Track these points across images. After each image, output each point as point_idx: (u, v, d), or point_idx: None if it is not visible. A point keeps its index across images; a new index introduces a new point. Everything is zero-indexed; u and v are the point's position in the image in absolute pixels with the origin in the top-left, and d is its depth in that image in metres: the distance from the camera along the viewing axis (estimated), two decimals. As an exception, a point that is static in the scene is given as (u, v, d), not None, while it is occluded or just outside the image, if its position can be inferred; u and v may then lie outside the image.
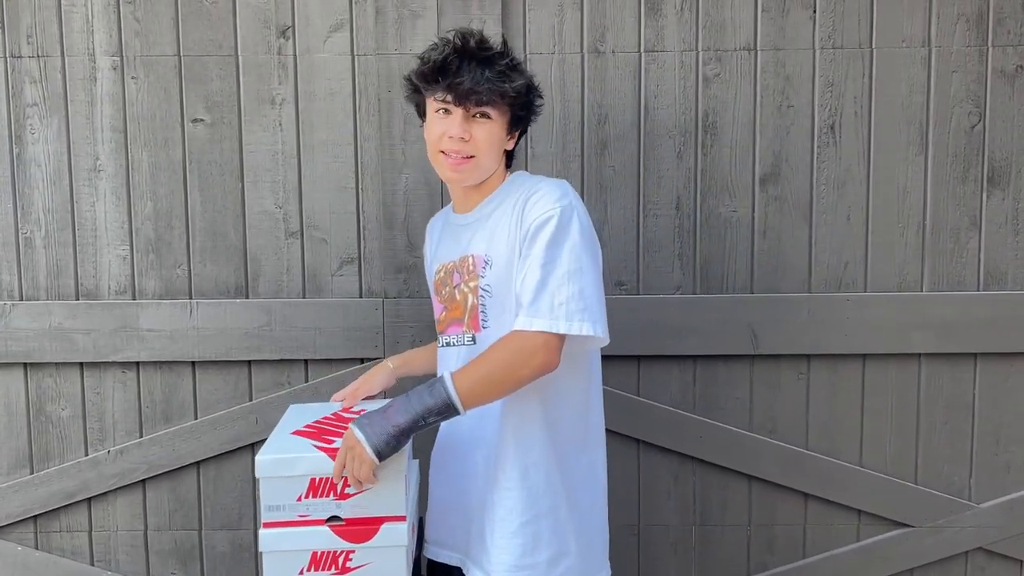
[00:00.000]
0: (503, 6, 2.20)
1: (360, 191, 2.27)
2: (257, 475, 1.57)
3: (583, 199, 2.24)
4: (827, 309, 2.25)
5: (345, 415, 1.80)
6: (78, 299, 2.29)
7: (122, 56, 2.24)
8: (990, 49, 2.23)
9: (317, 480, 1.58)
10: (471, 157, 1.65)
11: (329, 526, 1.59)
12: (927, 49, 2.23)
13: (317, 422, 1.75)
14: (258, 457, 1.57)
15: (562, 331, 1.54)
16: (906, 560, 2.34)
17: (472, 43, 1.64)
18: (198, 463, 2.33)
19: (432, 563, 1.84)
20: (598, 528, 1.75)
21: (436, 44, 1.68)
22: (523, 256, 1.60)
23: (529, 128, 2.20)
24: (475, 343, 1.67)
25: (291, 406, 1.86)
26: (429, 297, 2.23)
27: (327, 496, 1.59)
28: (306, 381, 2.30)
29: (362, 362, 2.28)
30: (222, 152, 2.26)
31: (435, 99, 1.66)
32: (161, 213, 2.28)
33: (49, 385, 2.32)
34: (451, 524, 1.77)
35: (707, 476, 2.33)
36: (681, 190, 2.26)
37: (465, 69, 1.61)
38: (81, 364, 2.30)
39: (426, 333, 2.25)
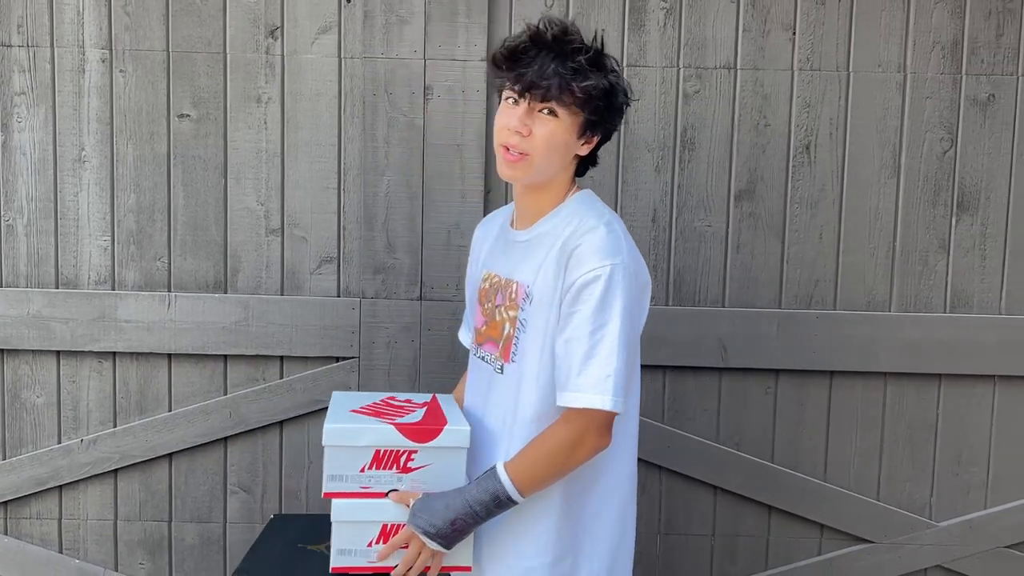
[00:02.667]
0: (489, 15, 2.24)
1: (342, 191, 2.30)
2: (324, 443, 1.55)
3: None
4: (797, 325, 2.30)
5: (393, 402, 1.77)
6: (57, 288, 2.31)
7: (111, 49, 2.26)
8: (964, 77, 2.29)
9: (381, 452, 1.57)
10: (525, 155, 1.51)
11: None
12: (902, 75, 2.28)
13: (371, 404, 1.73)
14: (326, 425, 1.56)
15: (608, 408, 1.46)
16: (866, 575, 2.38)
17: (550, 33, 1.50)
18: (171, 455, 2.35)
19: None
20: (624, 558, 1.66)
21: (521, 32, 1.55)
22: (565, 314, 1.50)
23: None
24: (502, 373, 1.61)
25: (334, 393, 1.80)
26: (404, 299, 2.28)
27: (390, 469, 1.58)
28: (281, 377, 2.33)
29: (337, 360, 2.31)
30: (207, 148, 2.29)
31: (506, 88, 1.54)
32: (144, 206, 2.30)
33: (25, 372, 2.33)
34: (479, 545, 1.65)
35: (673, 485, 2.36)
36: (658, 203, 2.30)
37: (536, 59, 1.48)
38: (58, 352, 2.32)
39: (401, 334, 2.28)
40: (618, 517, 1.61)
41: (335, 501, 1.57)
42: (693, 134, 2.29)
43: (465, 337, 1.87)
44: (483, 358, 1.67)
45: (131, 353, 2.32)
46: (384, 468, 1.57)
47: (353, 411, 1.66)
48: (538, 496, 1.53)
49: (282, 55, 2.27)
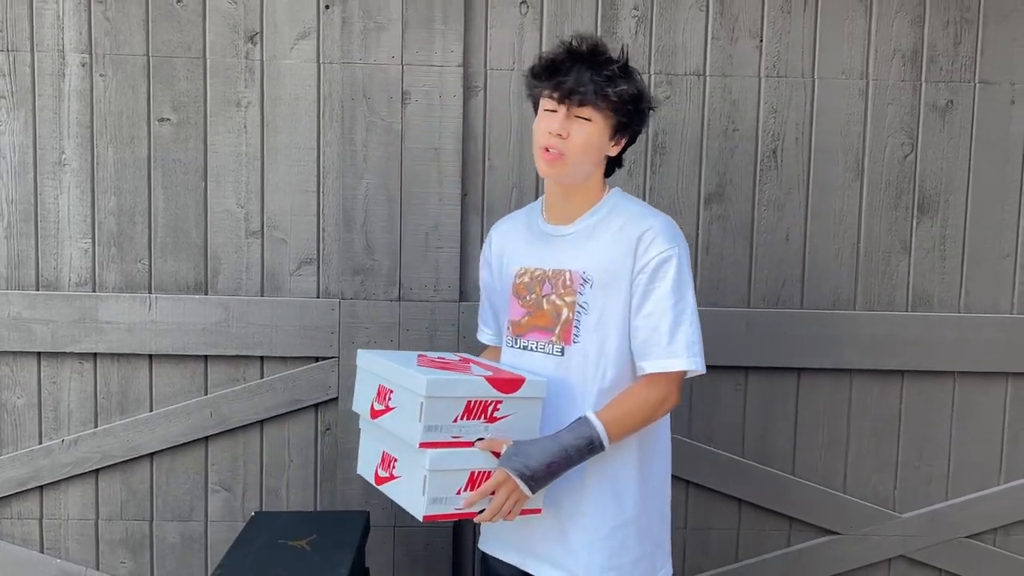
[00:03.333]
0: (465, 23, 2.29)
1: (321, 194, 2.34)
2: (425, 394, 1.57)
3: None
4: (765, 324, 2.37)
5: (444, 358, 1.86)
6: (38, 290, 2.33)
7: (91, 53, 2.29)
8: (923, 84, 2.37)
9: (473, 403, 1.62)
10: (563, 155, 1.67)
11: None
12: (865, 81, 2.36)
13: (427, 359, 1.79)
14: (426, 376, 1.58)
15: (698, 370, 1.68)
16: (833, 566, 2.46)
17: (585, 47, 1.68)
18: (152, 455, 2.38)
19: (486, 557, 1.89)
20: (667, 531, 1.83)
21: (555, 47, 1.73)
22: (642, 291, 1.68)
23: (488, 142, 2.30)
24: (563, 355, 1.73)
25: (361, 352, 1.84)
26: (382, 300, 2.32)
27: (478, 419, 1.64)
28: (262, 377, 2.36)
29: (317, 360, 2.35)
30: (187, 151, 2.32)
31: (544, 96, 1.70)
32: (124, 208, 2.33)
33: (5, 373, 2.35)
34: (517, 525, 1.74)
35: (646, 480, 2.42)
36: (630, 205, 2.36)
37: (573, 70, 1.66)
38: (38, 354, 2.34)
39: (380, 334, 2.33)
40: (668, 478, 1.83)
41: (432, 452, 1.60)
42: (664, 139, 2.35)
43: (485, 335, 2.01)
44: (527, 347, 1.78)
45: (112, 354, 2.34)
46: (474, 418, 1.63)
47: (420, 365, 1.71)
48: (618, 458, 1.70)
49: (261, 60, 2.31)
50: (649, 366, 1.68)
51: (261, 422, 2.38)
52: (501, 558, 1.84)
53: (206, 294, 2.35)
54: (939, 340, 2.40)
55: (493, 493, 1.62)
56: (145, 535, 2.41)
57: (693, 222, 2.37)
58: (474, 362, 1.81)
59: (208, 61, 2.30)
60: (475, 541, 2.41)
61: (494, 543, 1.85)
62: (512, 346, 1.82)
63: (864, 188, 2.39)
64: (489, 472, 1.63)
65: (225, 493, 2.40)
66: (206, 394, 2.36)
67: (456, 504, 1.62)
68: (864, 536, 2.45)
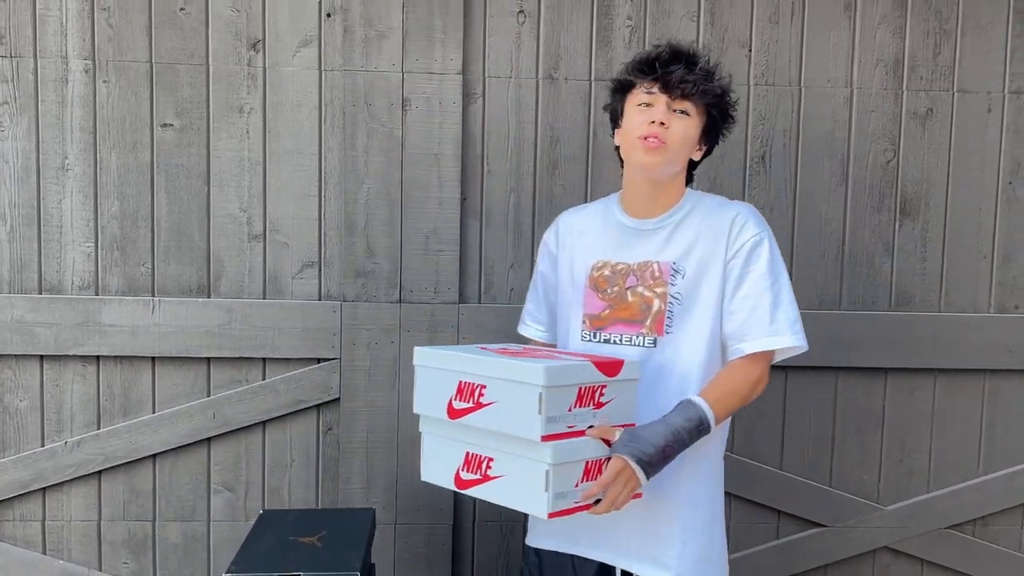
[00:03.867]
0: (464, 31, 2.35)
1: (322, 199, 2.38)
2: (544, 383, 1.52)
3: (534, 214, 2.42)
4: (754, 324, 2.44)
5: (512, 348, 1.85)
6: (41, 293, 2.35)
7: (94, 60, 2.32)
8: (905, 92, 2.46)
9: (583, 389, 1.59)
10: (664, 143, 1.74)
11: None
12: (849, 90, 2.45)
13: (503, 351, 1.75)
14: (543, 365, 1.54)
15: (803, 346, 1.77)
16: (820, 557, 2.54)
17: (683, 48, 1.80)
18: (154, 456, 2.40)
19: (537, 552, 1.90)
20: None
21: (653, 47, 1.83)
22: (737, 275, 1.75)
23: (486, 147, 2.36)
24: (655, 346, 1.77)
25: (418, 349, 1.77)
26: (384, 302, 2.36)
27: (588, 406, 1.61)
28: (264, 379, 2.40)
29: (319, 362, 2.39)
30: (190, 156, 2.36)
31: (642, 90, 1.78)
32: (127, 213, 2.36)
33: (8, 376, 2.37)
34: (606, 524, 1.76)
35: (641, 476, 2.49)
36: (624, 209, 2.43)
37: (675, 65, 1.76)
38: (41, 357, 2.36)
39: (381, 336, 2.37)
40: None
41: (555, 444, 1.55)
42: (657, 144, 2.42)
43: (532, 330, 2.03)
44: (608, 340, 1.82)
45: (115, 356, 2.37)
46: (584, 405, 1.60)
47: (510, 356, 1.66)
48: (702, 455, 1.76)
49: (264, 67, 2.35)
50: (749, 346, 1.74)
51: (263, 423, 2.41)
52: (568, 552, 1.84)
53: (209, 297, 2.38)
54: (920, 338, 2.49)
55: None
56: (148, 535, 2.43)
57: (685, 225, 2.44)
58: (546, 350, 1.80)
59: (211, 68, 2.34)
60: (475, 537, 2.47)
61: (556, 538, 1.85)
62: (590, 340, 1.85)
63: (849, 192, 2.48)
64: (601, 461, 1.61)
65: (227, 493, 2.44)
66: (209, 396, 2.40)
67: (575, 497, 1.59)
68: (850, 528, 2.53)
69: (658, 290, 1.78)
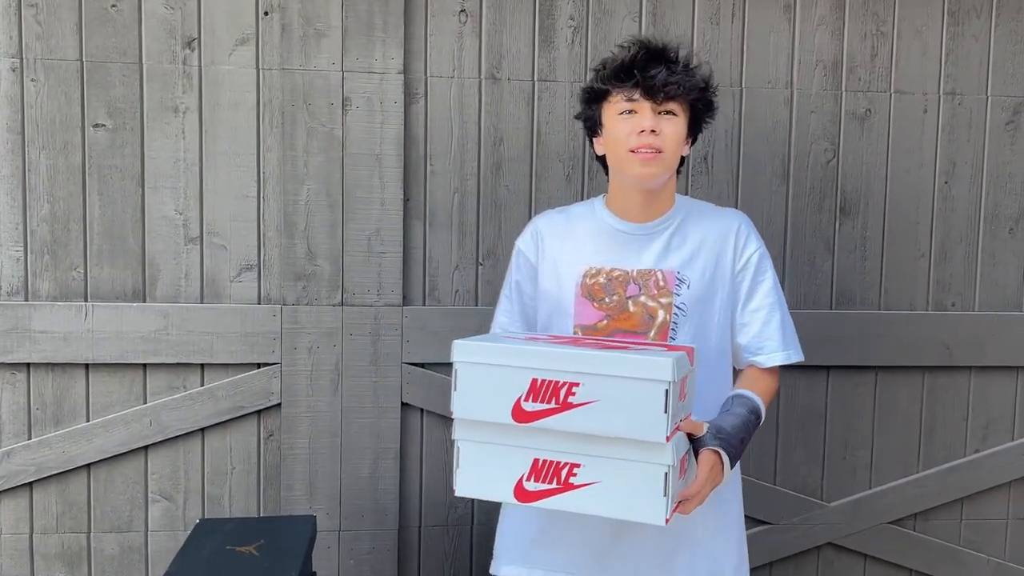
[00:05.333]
0: (405, 30, 2.32)
1: (261, 200, 2.34)
2: (671, 378, 1.40)
3: (478, 215, 2.40)
4: (698, 323, 2.45)
5: (528, 336, 1.72)
6: (-33, 299, 2.27)
7: (22, 58, 2.24)
8: (844, 93, 2.49)
9: (681, 380, 1.48)
10: (660, 152, 1.66)
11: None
12: (790, 91, 2.48)
13: (570, 339, 1.64)
14: (670, 359, 1.41)
15: (803, 359, 1.79)
16: (765, 555, 2.56)
17: (656, 45, 1.71)
18: (88, 465, 2.33)
19: None
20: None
21: (620, 49, 1.72)
22: (748, 287, 1.76)
23: (429, 147, 2.34)
24: None
25: (459, 343, 1.52)
26: (325, 305, 2.33)
27: (684, 399, 1.51)
28: (202, 385, 2.34)
29: (259, 367, 2.34)
30: (123, 157, 2.29)
31: (621, 98, 1.68)
32: (58, 215, 2.29)
33: (-67, 386, 2.29)
34: (615, 551, 1.72)
35: (587, 478, 2.48)
36: (569, 210, 2.42)
37: (654, 67, 1.66)
38: (-32, 365, 2.28)
39: (323, 340, 2.33)
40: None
41: (676, 440, 1.44)
42: (600, 145, 2.42)
43: None
44: None
45: (46, 364, 2.30)
46: (682, 399, 1.49)
47: (579, 345, 1.52)
48: (733, 473, 1.71)
49: (199, 66, 2.30)
50: (767, 360, 1.76)
51: (202, 430, 2.36)
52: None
53: (144, 301, 2.32)
54: (861, 336, 2.52)
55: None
56: (82, 547, 2.36)
57: (629, 226, 2.45)
58: (604, 339, 1.67)
59: (144, 66, 2.28)
60: (421, 543, 2.44)
61: (546, 562, 1.75)
62: None
63: (790, 192, 2.50)
64: (684, 457, 1.51)
65: (165, 503, 2.38)
66: (145, 403, 2.34)
67: (674, 496, 1.46)
68: (794, 525, 2.56)
69: (663, 300, 1.72)
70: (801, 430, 2.56)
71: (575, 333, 1.74)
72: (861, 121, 2.51)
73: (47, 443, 2.30)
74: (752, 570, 2.53)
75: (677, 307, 1.71)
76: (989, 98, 2.53)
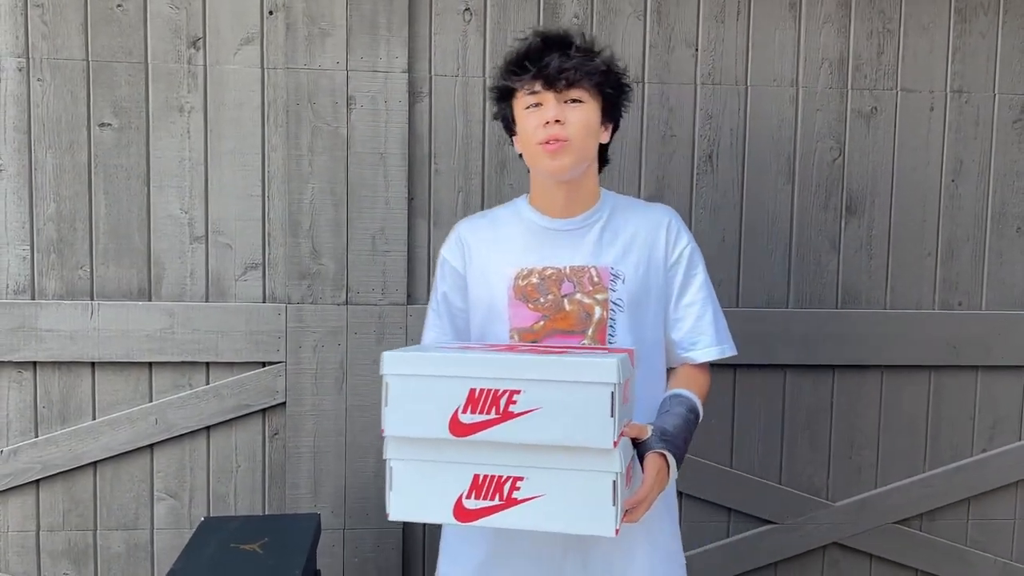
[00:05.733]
0: (410, 29, 2.32)
1: (266, 199, 2.34)
2: (616, 380, 1.34)
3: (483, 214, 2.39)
4: (703, 322, 2.45)
5: (461, 345, 1.65)
6: (-26, 298, 2.29)
7: (28, 58, 2.25)
8: (849, 91, 2.48)
9: (627, 382, 1.43)
10: (565, 141, 1.61)
11: None
12: (795, 89, 2.47)
13: (502, 346, 1.58)
14: (614, 360, 1.35)
15: (736, 353, 1.79)
16: (770, 554, 2.55)
17: (553, 33, 1.67)
18: (95, 463, 2.34)
19: None
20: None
21: (518, 42, 1.70)
22: (681, 282, 1.74)
23: (433, 146, 2.34)
24: None
25: (387, 355, 1.43)
26: (330, 304, 2.33)
27: (627, 401, 1.46)
28: (208, 383, 2.35)
29: (264, 366, 2.35)
30: (129, 157, 2.30)
31: (524, 92, 1.64)
32: (64, 215, 2.30)
33: (-60, 384, 2.30)
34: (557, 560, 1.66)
35: (592, 477, 2.48)
36: (573, 209, 2.42)
37: (548, 57, 1.61)
38: (-25, 363, 2.30)
39: (328, 339, 2.34)
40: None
41: (623, 446, 1.38)
42: (605, 143, 2.42)
43: None
44: None
45: (53, 362, 2.31)
46: (625, 401, 1.43)
47: (518, 352, 1.45)
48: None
49: (204, 65, 2.30)
50: (701, 355, 1.74)
51: (208, 428, 2.37)
52: None
53: (150, 300, 2.33)
54: (867, 336, 2.51)
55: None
56: (89, 545, 2.37)
57: (634, 224, 2.44)
58: (543, 345, 1.62)
59: (150, 66, 2.29)
60: (425, 541, 2.44)
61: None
62: None
63: (795, 191, 2.49)
64: (629, 464, 1.45)
65: (171, 500, 2.38)
66: (151, 401, 2.34)
67: (622, 505, 1.39)
68: (799, 524, 2.55)
69: (599, 296, 1.68)
70: (806, 429, 2.55)
71: (511, 337, 1.68)
72: (867, 119, 2.50)
73: (53, 441, 2.31)
74: (757, 570, 2.57)
75: (613, 303, 1.67)
76: (997, 96, 2.52)
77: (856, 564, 2.60)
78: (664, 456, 1.52)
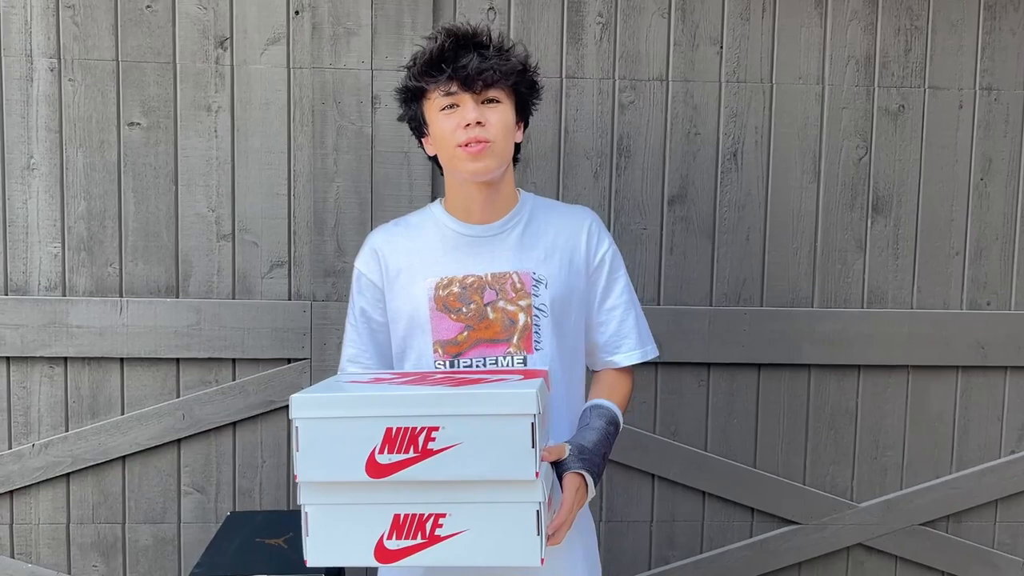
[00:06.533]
0: (434, 27, 2.33)
1: (292, 197, 2.36)
2: (535, 410, 1.32)
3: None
4: (726, 321, 2.44)
5: (365, 379, 1.55)
6: (7, 294, 2.32)
7: (60, 58, 2.29)
8: (876, 89, 2.46)
9: (544, 410, 1.41)
10: (487, 142, 1.56)
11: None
12: (821, 87, 2.45)
13: (401, 378, 1.51)
14: (533, 389, 1.33)
15: (658, 355, 1.76)
16: (794, 555, 2.54)
17: (464, 31, 1.60)
18: (123, 458, 2.38)
19: None
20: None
21: (427, 41, 1.61)
22: (603, 286, 1.71)
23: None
24: (526, 365, 1.61)
25: (296, 398, 1.39)
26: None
27: (545, 426, 1.44)
28: (234, 379, 2.38)
29: (289, 362, 2.37)
30: (157, 156, 2.33)
31: (439, 94, 1.58)
32: (94, 213, 2.33)
33: (-26, 379, 2.35)
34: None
35: (613, 474, 2.48)
36: (596, 207, 2.41)
37: (464, 55, 1.56)
38: (8, 358, 2.34)
39: (352, 335, 2.36)
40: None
41: (544, 473, 1.36)
42: (628, 142, 2.42)
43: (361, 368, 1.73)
44: (470, 367, 1.62)
45: (83, 358, 2.35)
46: (543, 426, 1.39)
47: (421, 383, 1.42)
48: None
49: (232, 65, 2.33)
50: (624, 359, 1.71)
51: (233, 424, 2.40)
52: None
53: (177, 297, 2.36)
54: (893, 336, 2.49)
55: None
56: (117, 538, 2.41)
57: (657, 223, 2.44)
58: (443, 374, 1.55)
59: (178, 66, 2.32)
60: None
61: None
62: (448, 368, 1.62)
63: (821, 189, 2.47)
64: (550, 490, 1.43)
65: (198, 495, 2.42)
66: (178, 397, 2.38)
67: (545, 533, 1.37)
68: (823, 525, 2.53)
69: (522, 303, 1.62)
70: (831, 429, 2.53)
71: (435, 350, 1.63)
72: (894, 117, 2.47)
73: (83, 435, 2.36)
74: (781, 570, 2.56)
75: (537, 308, 1.62)
76: (1027, 93, 2.49)
77: (881, 565, 2.58)
78: (582, 476, 1.50)
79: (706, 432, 2.50)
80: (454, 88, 1.56)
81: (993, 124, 2.49)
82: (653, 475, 2.49)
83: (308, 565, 1.38)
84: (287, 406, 2.36)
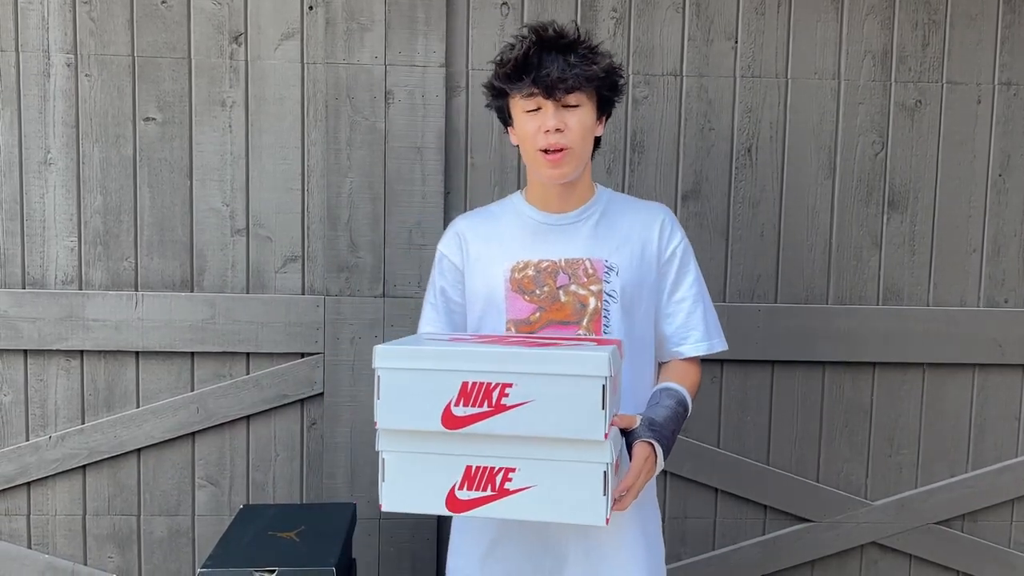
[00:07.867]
0: (447, 24, 2.33)
1: (306, 192, 2.37)
2: (607, 372, 1.35)
3: (518, 208, 2.40)
4: (740, 318, 2.43)
5: (454, 336, 1.66)
6: (24, 288, 2.35)
7: (76, 54, 2.31)
8: (893, 84, 2.44)
9: (616, 375, 1.45)
10: (566, 149, 1.62)
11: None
12: (837, 82, 2.43)
13: (491, 337, 1.61)
14: (605, 354, 1.36)
15: (726, 348, 1.80)
16: (807, 553, 2.53)
17: (549, 33, 1.62)
18: (139, 450, 2.40)
19: None
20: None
21: (512, 43, 1.65)
22: (674, 277, 1.75)
23: (470, 140, 2.35)
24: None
25: (379, 349, 1.43)
26: (367, 296, 2.36)
27: (616, 392, 1.48)
28: (248, 373, 2.39)
29: (302, 356, 2.38)
30: (172, 150, 2.35)
31: (522, 97, 1.63)
32: (110, 207, 2.35)
33: (-8, 371, 2.37)
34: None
35: (626, 471, 2.48)
36: (609, 203, 2.41)
37: (548, 60, 1.59)
38: (25, 351, 2.36)
39: (365, 331, 2.36)
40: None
41: (612, 437, 1.40)
42: (642, 137, 2.41)
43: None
44: None
45: (99, 351, 2.37)
46: (615, 392, 1.43)
47: (498, 344, 1.46)
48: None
49: (246, 60, 2.34)
50: (691, 349, 1.75)
51: (247, 417, 2.41)
52: None
53: (192, 291, 2.38)
54: (909, 333, 2.47)
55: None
56: (132, 530, 2.43)
57: (671, 219, 2.43)
58: (533, 337, 1.62)
59: (193, 61, 2.33)
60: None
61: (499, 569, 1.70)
62: None
63: (836, 185, 2.46)
64: (618, 454, 1.47)
65: (212, 487, 2.43)
66: (192, 390, 2.39)
67: (612, 495, 1.41)
68: (837, 523, 2.52)
69: (593, 288, 1.69)
70: (846, 427, 2.52)
71: (508, 329, 1.69)
72: (911, 112, 2.45)
73: (99, 428, 2.38)
74: (793, 568, 2.55)
75: (607, 294, 1.69)
76: (1047, 88, 2.46)
77: (895, 564, 2.56)
78: (652, 445, 1.54)
79: (719, 429, 2.49)
80: (535, 91, 1.60)
81: (1012, 119, 2.46)
82: (665, 471, 2.48)
83: (383, 510, 1.45)
84: (301, 400, 2.41)
